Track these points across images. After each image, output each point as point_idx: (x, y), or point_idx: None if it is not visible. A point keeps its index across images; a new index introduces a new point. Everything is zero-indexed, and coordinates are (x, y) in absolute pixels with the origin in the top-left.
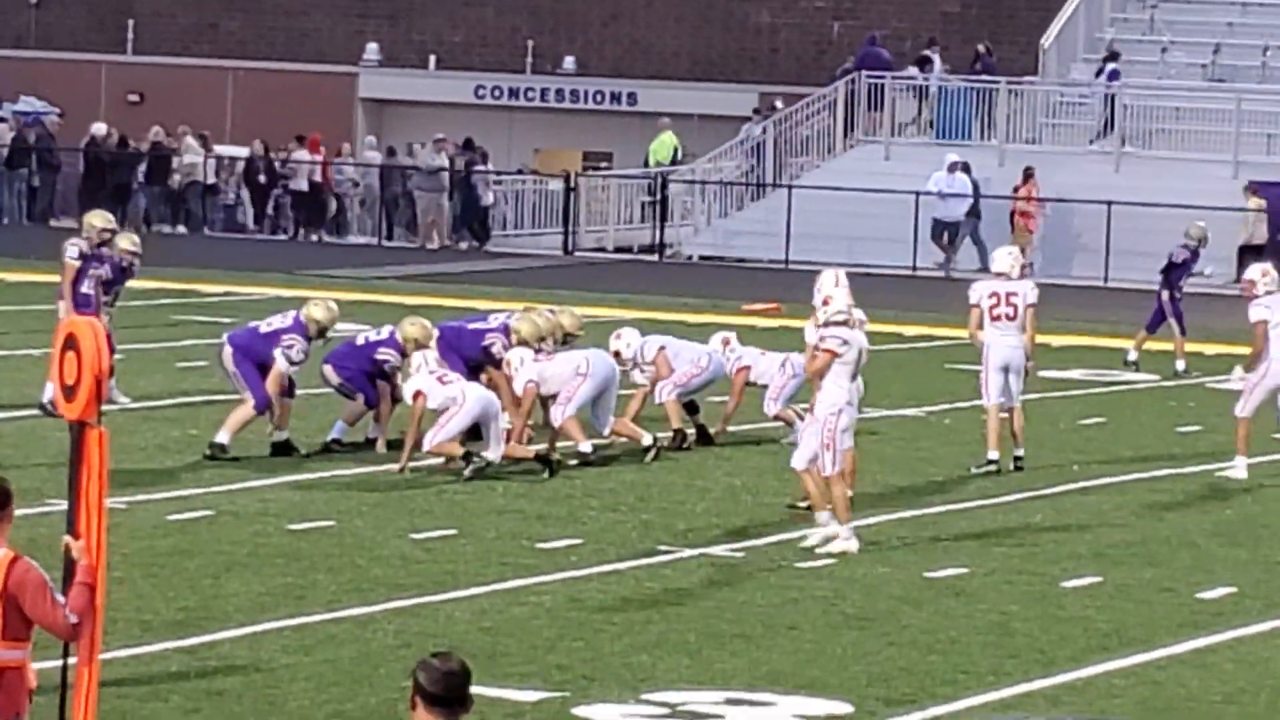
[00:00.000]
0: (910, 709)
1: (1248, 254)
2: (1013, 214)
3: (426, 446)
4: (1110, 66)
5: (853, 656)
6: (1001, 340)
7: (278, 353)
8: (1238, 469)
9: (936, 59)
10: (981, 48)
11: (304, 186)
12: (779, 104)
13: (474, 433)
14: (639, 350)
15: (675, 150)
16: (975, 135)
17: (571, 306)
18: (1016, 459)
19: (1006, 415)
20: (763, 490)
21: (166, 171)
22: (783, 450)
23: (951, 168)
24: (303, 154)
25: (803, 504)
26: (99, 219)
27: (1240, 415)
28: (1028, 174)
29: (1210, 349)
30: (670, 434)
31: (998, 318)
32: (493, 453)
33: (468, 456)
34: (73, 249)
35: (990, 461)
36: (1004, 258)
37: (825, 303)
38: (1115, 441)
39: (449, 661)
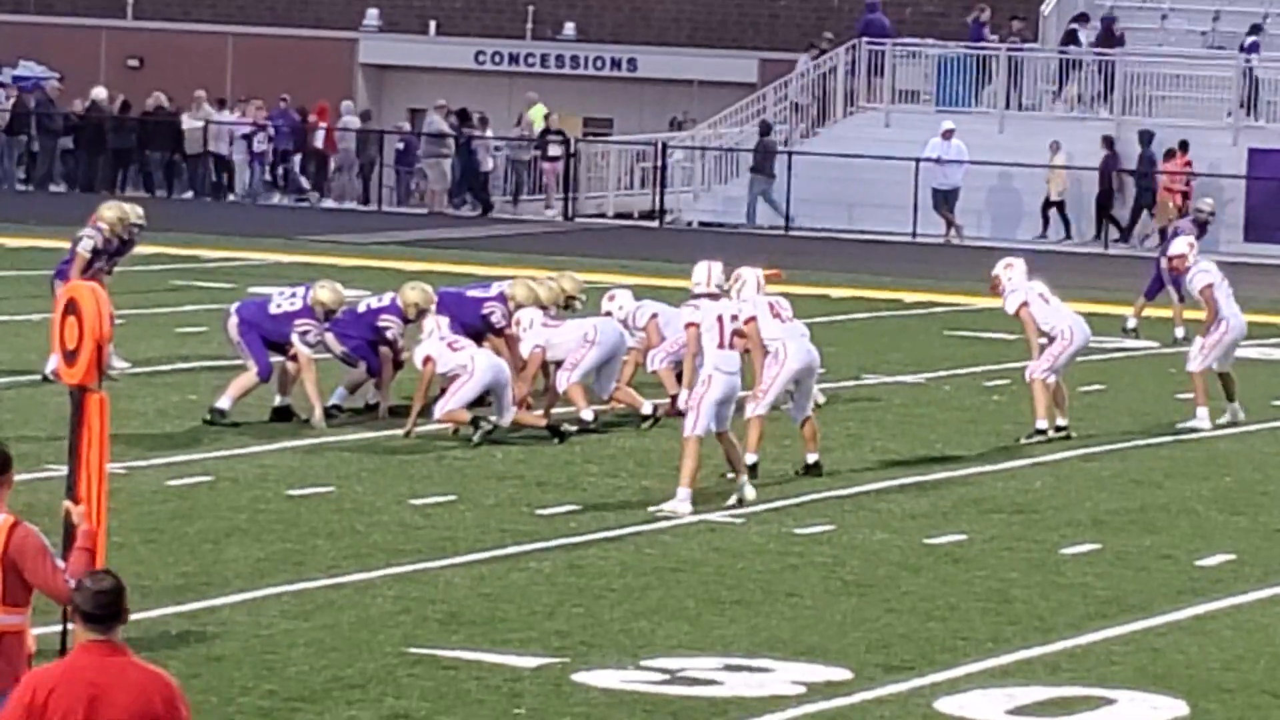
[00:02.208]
0: (909, 675)
1: (1050, 208)
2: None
3: (437, 414)
4: (1251, 39)
5: (852, 623)
6: (1082, 320)
7: (295, 338)
8: (1200, 419)
9: (1083, 34)
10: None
11: (224, 150)
12: (829, 37)
13: (478, 399)
14: (631, 314)
15: (545, 118)
16: (975, 103)
17: (572, 271)
18: (1061, 428)
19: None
20: (762, 457)
21: (168, 137)
22: (781, 417)
23: (946, 134)
24: (226, 115)
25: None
26: (114, 212)
27: (1195, 370)
28: (1171, 150)
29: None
30: (667, 401)
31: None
32: (503, 419)
33: (475, 421)
34: (87, 241)
35: (1039, 431)
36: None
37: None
38: (1114, 408)
39: (101, 581)
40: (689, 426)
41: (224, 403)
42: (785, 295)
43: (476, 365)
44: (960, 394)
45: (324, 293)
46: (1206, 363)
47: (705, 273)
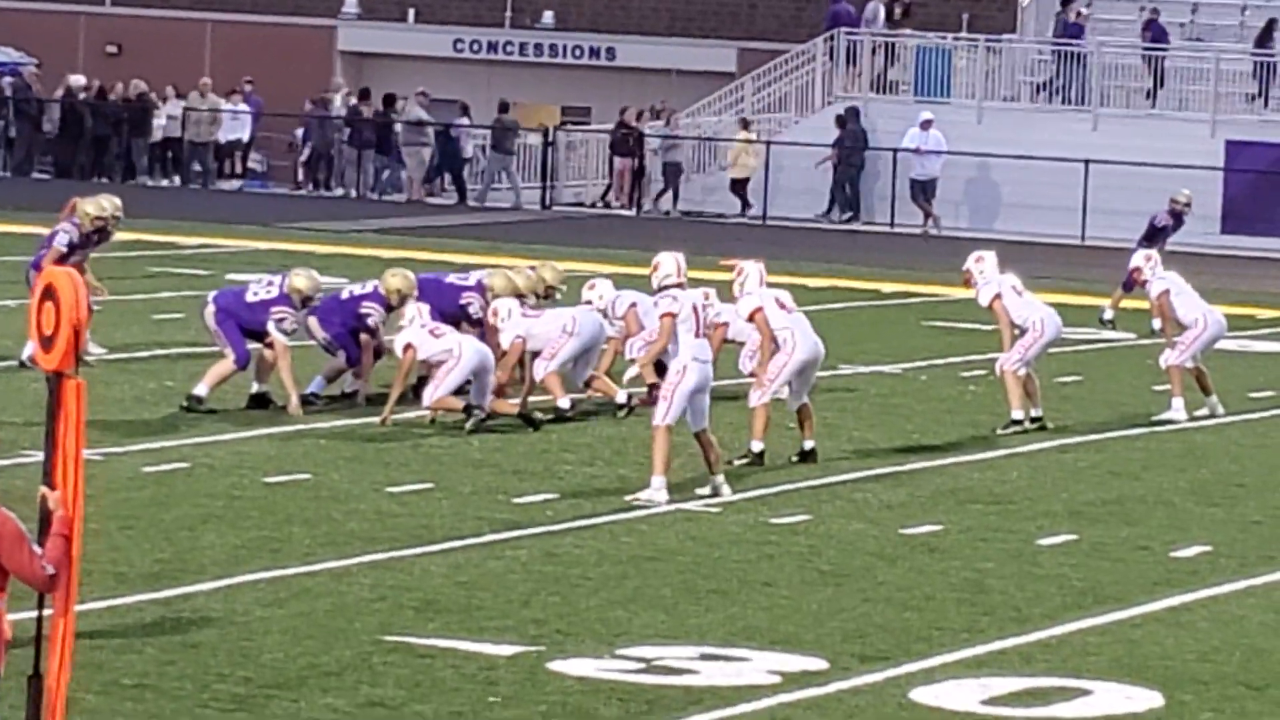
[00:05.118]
0: (885, 665)
1: (736, 186)
2: None
3: (426, 402)
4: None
5: (828, 612)
6: (1054, 313)
7: (271, 325)
8: (1175, 411)
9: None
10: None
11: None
12: None
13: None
14: (611, 303)
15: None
16: (953, 93)
17: (553, 261)
18: (1036, 418)
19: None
20: (739, 446)
21: (146, 124)
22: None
23: (924, 125)
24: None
25: (739, 459)
26: (93, 207)
27: (1171, 364)
28: None
29: None
30: (645, 389)
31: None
32: (481, 404)
33: (468, 410)
34: (63, 236)
35: (1015, 421)
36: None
37: (655, 268)
38: (1091, 400)
39: None
40: (660, 415)
41: (201, 390)
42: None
43: (463, 350)
44: (937, 384)
45: (300, 280)
46: (1183, 359)
47: (674, 264)
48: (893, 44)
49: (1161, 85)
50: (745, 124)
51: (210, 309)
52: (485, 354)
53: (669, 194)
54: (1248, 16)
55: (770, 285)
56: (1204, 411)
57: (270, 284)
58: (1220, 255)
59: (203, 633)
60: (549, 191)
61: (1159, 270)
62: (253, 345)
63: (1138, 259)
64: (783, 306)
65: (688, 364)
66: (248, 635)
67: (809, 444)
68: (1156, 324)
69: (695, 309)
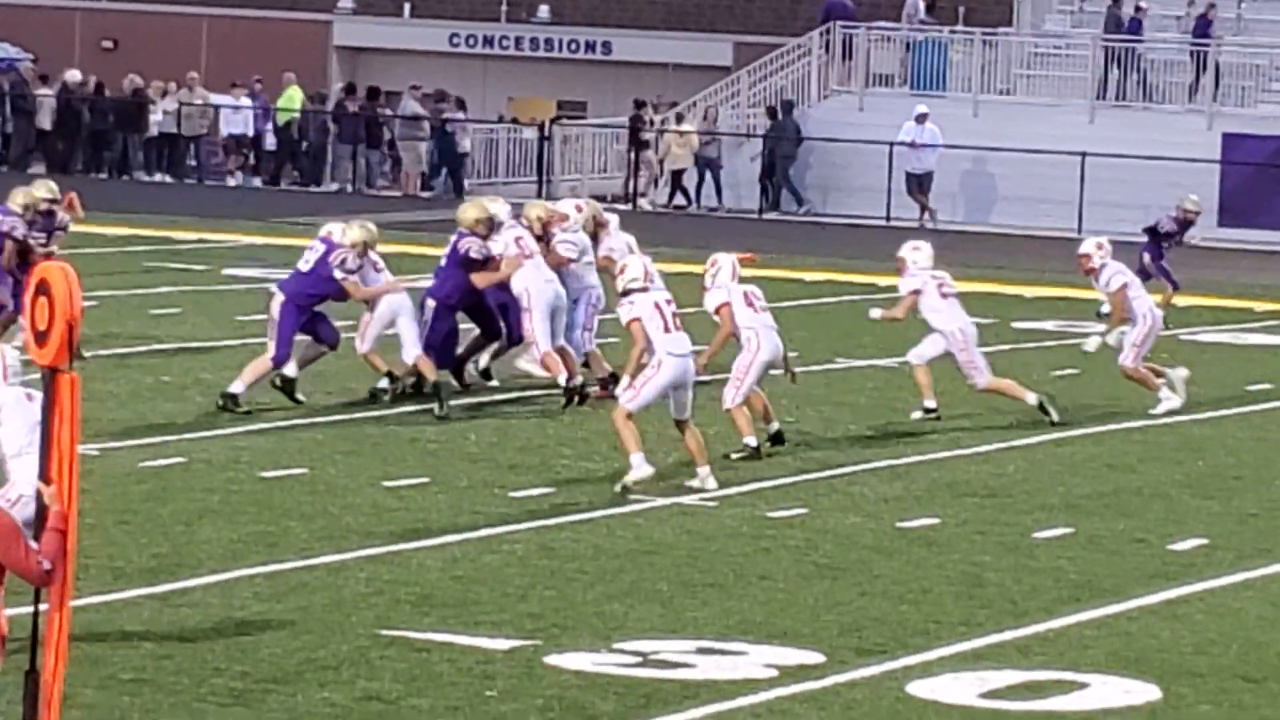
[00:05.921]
0: (882, 659)
1: (677, 176)
2: None
3: (408, 360)
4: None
5: (824, 606)
6: (970, 322)
7: (336, 272)
8: (1168, 401)
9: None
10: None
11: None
12: None
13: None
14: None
15: (302, 101)
16: (949, 86)
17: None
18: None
19: None
20: (735, 439)
21: (142, 120)
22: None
23: (920, 119)
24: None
25: (735, 454)
26: (43, 189)
27: (1129, 365)
28: None
29: (1183, 300)
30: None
31: (946, 295)
32: (407, 354)
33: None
34: (21, 229)
35: (927, 410)
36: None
37: (621, 271)
38: (1088, 393)
39: None
40: (624, 399)
41: (237, 387)
42: (760, 278)
43: (376, 305)
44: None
45: (356, 233)
46: (1137, 360)
47: (641, 268)
48: (889, 37)
49: (1216, 81)
50: (680, 117)
51: (278, 299)
52: (396, 304)
53: (709, 190)
54: (1244, 9)
55: (743, 279)
56: (1166, 389)
57: (312, 249)
58: (1217, 248)
59: (200, 627)
60: (545, 186)
61: (1111, 260)
62: (300, 337)
63: (1088, 245)
64: (750, 304)
65: (663, 359)
66: (245, 630)
67: (773, 427)
68: (1105, 309)
69: (658, 306)
